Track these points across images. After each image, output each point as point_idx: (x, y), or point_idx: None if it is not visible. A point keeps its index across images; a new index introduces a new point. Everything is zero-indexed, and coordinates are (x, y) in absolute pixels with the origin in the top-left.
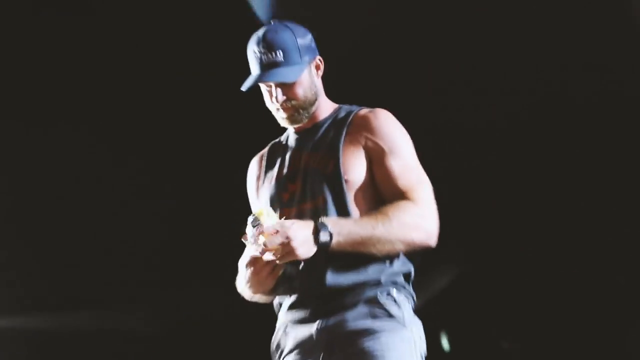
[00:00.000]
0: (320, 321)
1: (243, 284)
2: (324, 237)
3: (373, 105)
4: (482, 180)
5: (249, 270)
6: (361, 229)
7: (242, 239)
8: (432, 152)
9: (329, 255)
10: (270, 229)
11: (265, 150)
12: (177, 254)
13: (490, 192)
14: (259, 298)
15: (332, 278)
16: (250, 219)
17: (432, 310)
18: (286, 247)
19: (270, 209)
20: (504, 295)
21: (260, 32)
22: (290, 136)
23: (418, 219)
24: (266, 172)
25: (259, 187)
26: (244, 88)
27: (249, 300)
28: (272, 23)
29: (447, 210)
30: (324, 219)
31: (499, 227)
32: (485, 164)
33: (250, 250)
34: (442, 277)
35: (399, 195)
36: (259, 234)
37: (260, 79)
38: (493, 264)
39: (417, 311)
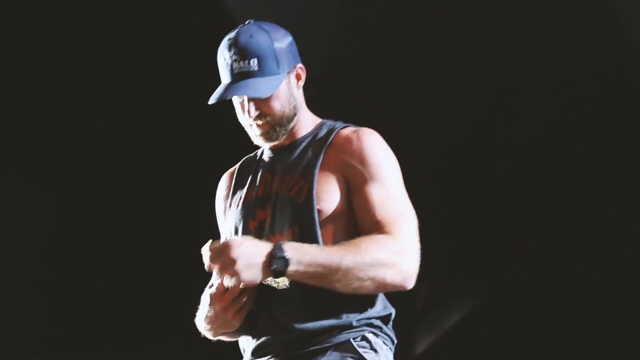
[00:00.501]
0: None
1: (204, 324)
2: (277, 264)
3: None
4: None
5: (212, 309)
6: (326, 260)
7: (207, 269)
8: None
9: (293, 294)
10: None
11: (237, 166)
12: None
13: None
14: (224, 337)
15: (302, 321)
16: (206, 246)
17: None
18: (229, 268)
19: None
20: (523, 331)
21: (232, 35)
22: (265, 152)
23: (394, 256)
24: (234, 192)
25: (226, 208)
26: (211, 101)
27: (212, 339)
28: (247, 23)
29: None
30: (283, 243)
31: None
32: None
33: (213, 281)
34: (453, 312)
35: (378, 227)
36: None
37: (230, 91)
38: (510, 297)
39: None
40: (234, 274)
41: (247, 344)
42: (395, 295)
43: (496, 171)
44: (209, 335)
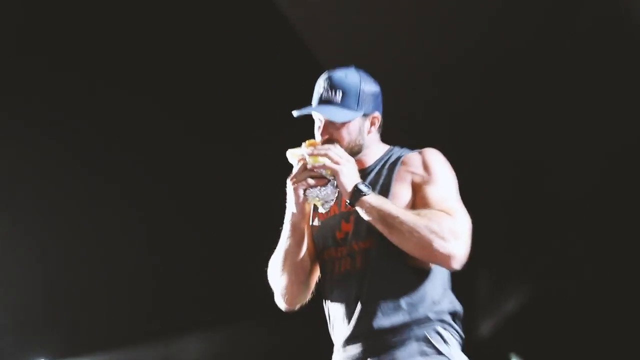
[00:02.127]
0: (370, 355)
1: (278, 260)
2: (362, 189)
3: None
4: None
5: (286, 237)
6: (391, 208)
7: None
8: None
9: (374, 294)
10: (332, 150)
11: None
12: None
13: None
14: (288, 285)
15: (382, 317)
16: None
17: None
18: (335, 162)
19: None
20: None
21: (332, 71)
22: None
23: (447, 232)
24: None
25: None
26: (295, 114)
27: (280, 291)
28: (349, 67)
29: None
30: (365, 185)
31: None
32: None
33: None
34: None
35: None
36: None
37: (310, 109)
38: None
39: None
40: (336, 167)
41: (336, 338)
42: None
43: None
44: (278, 276)
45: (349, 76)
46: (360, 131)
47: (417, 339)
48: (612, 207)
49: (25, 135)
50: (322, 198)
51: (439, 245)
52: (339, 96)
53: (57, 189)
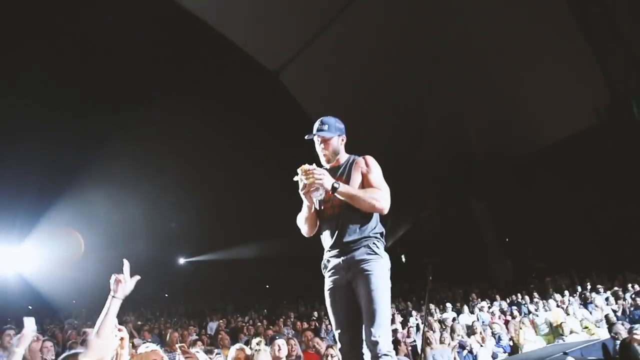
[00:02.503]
0: (344, 256)
1: (302, 219)
2: (336, 185)
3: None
4: None
5: (304, 207)
6: (352, 191)
7: (299, 170)
8: None
9: (343, 225)
10: (316, 171)
11: None
12: None
13: None
14: (308, 227)
15: (347, 236)
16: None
17: None
18: (319, 178)
19: (307, 165)
20: None
21: (323, 117)
22: (326, 169)
23: (379, 197)
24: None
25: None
26: (306, 138)
27: (304, 230)
28: (329, 116)
29: None
30: (337, 183)
31: None
32: None
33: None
34: None
35: (373, 187)
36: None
37: (313, 135)
38: None
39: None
40: (320, 181)
41: (325, 244)
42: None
43: None
44: (302, 225)
45: (330, 119)
46: (337, 144)
47: (365, 246)
48: None
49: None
50: (318, 196)
51: (376, 205)
52: (326, 127)
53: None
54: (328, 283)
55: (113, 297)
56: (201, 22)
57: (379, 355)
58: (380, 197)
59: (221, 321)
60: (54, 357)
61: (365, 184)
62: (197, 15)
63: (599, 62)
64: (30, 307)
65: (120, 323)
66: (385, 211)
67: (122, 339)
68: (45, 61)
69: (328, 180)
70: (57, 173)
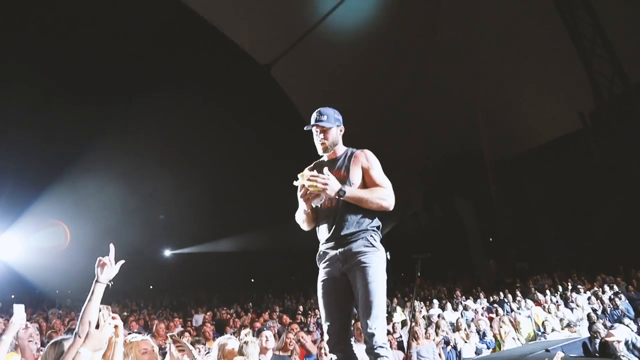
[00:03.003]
0: (341, 248)
1: (300, 216)
2: (342, 191)
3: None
4: None
5: (302, 206)
6: (359, 194)
7: (299, 175)
8: None
9: (341, 217)
10: (319, 176)
11: (313, 164)
12: None
13: None
14: (307, 224)
15: (346, 229)
16: (306, 171)
17: None
18: (325, 184)
19: (308, 172)
20: None
21: (320, 108)
22: (325, 161)
23: (385, 196)
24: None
25: None
26: (305, 128)
27: (303, 226)
28: (326, 107)
29: None
30: (344, 187)
31: None
32: None
33: (300, 187)
34: None
35: (378, 184)
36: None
37: (313, 125)
38: None
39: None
40: (324, 187)
41: (322, 238)
42: None
43: None
44: (301, 222)
45: (328, 110)
46: (336, 134)
47: (362, 239)
48: None
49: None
50: (317, 203)
51: (383, 204)
52: (325, 118)
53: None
54: (322, 274)
55: (97, 281)
56: (194, 14)
57: (375, 347)
58: (387, 195)
59: (207, 314)
60: (38, 345)
61: (367, 180)
62: (190, 7)
63: (586, 67)
64: (13, 297)
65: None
66: (392, 208)
67: (116, 327)
68: (36, 50)
69: (334, 187)
70: (43, 163)
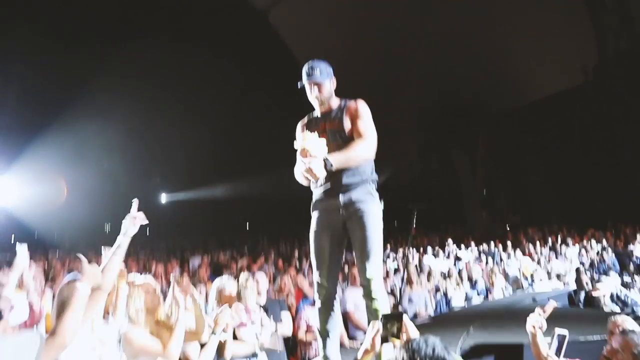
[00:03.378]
0: (342, 197)
1: (299, 175)
2: (328, 166)
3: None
4: None
5: (304, 169)
6: (345, 160)
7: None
8: None
9: (341, 170)
10: (307, 158)
11: (306, 118)
12: None
13: None
14: (306, 182)
15: (347, 178)
16: (300, 137)
17: None
18: (311, 160)
19: (309, 134)
20: None
21: (311, 62)
22: (318, 114)
23: (364, 149)
24: (308, 127)
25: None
26: (299, 85)
27: (301, 181)
28: (316, 60)
29: None
30: (329, 158)
31: None
32: None
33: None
34: None
35: (362, 135)
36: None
37: (306, 80)
38: None
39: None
40: (313, 175)
41: (320, 188)
42: None
43: None
44: (303, 181)
45: (319, 63)
46: (330, 88)
47: (362, 188)
48: None
49: None
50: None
51: (366, 157)
52: (318, 72)
53: None
54: (319, 223)
55: (125, 234)
56: None
57: (373, 291)
58: (368, 148)
59: (204, 257)
60: (42, 285)
61: (353, 129)
62: None
63: (592, 19)
64: (13, 236)
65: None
66: (372, 158)
67: (120, 270)
68: None
69: (319, 169)
70: (40, 106)
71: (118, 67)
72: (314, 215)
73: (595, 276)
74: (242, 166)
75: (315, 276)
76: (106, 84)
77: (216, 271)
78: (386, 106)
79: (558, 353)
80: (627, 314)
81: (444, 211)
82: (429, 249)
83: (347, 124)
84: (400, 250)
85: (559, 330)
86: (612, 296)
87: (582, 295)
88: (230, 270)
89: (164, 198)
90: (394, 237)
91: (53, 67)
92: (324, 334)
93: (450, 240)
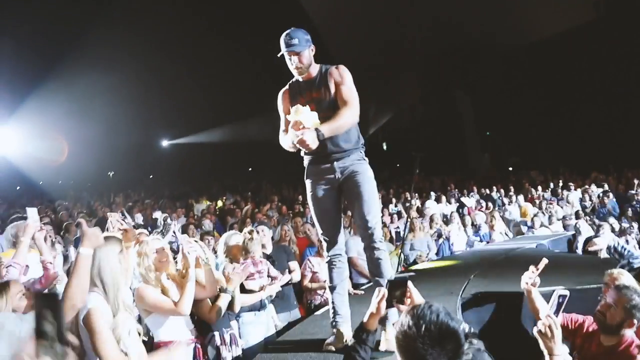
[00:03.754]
0: (337, 161)
1: (286, 143)
2: (320, 137)
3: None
4: None
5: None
6: (334, 128)
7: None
8: None
9: (335, 137)
10: (300, 130)
11: (287, 86)
12: None
13: None
14: (294, 149)
15: (341, 143)
16: (292, 110)
17: None
18: (304, 145)
19: (301, 107)
20: None
21: (288, 31)
22: (300, 82)
23: (353, 114)
24: (293, 96)
25: (289, 103)
26: (278, 55)
27: (287, 148)
28: (293, 28)
29: None
30: (320, 128)
31: None
32: None
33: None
34: None
35: (345, 103)
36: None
37: (285, 50)
38: None
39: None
40: (307, 146)
41: (313, 155)
42: None
43: None
44: (290, 149)
45: (297, 32)
46: (310, 56)
47: (355, 153)
48: None
49: None
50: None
51: (353, 123)
52: (296, 41)
53: None
54: (317, 188)
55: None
56: None
57: (375, 241)
58: (352, 114)
59: (211, 204)
60: (53, 240)
61: (337, 95)
62: None
63: None
64: (18, 188)
65: (109, 205)
66: (357, 122)
67: (125, 230)
68: None
69: (312, 139)
70: (39, 56)
71: (117, 18)
72: (310, 181)
73: (597, 221)
74: (241, 109)
75: (320, 235)
76: (105, 34)
77: (222, 218)
78: (390, 44)
79: (557, 313)
80: (623, 266)
81: (446, 154)
82: (432, 193)
83: (331, 91)
84: (402, 195)
85: (560, 291)
86: (608, 248)
87: (581, 241)
88: (235, 217)
89: (164, 143)
90: (397, 181)
91: (53, 17)
92: (332, 287)
93: (452, 185)
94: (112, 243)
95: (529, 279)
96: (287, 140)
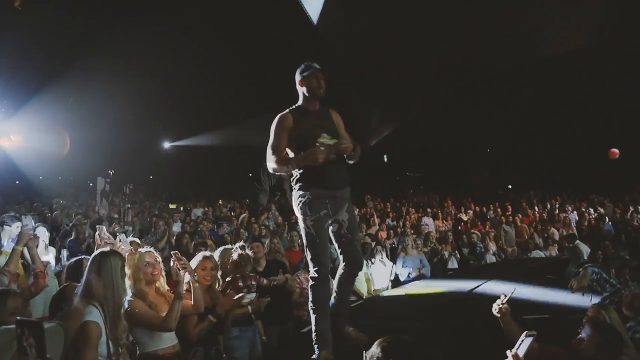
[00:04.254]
0: (338, 192)
1: (282, 166)
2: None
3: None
4: None
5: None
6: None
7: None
8: None
9: (341, 167)
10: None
11: (289, 113)
12: None
13: None
14: (285, 173)
15: (342, 177)
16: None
17: None
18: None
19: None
20: None
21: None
22: (308, 111)
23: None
24: (298, 123)
25: (294, 129)
26: (310, 70)
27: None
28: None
29: None
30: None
31: None
32: None
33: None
34: None
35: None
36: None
37: (319, 71)
38: None
39: None
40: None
41: (321, 182)
42: None
43: None
44: (281, 170)
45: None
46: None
47: (348, 185)
48: None
49: None
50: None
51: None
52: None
53: None
54: (318, 217)
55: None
56: None
57: (361, 261)
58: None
59: (205, 209)
60: (46, 242)
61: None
62: None
63: None
64: (17, 182)
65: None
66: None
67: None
68: None
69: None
70: (45, 59)
71: (122, 21)
72: (311, 210)
73: (587, 249)
74: (244, 114)
75: (314, 260)
76: (110, 36)
77: (217, 223)
78: (390, 63)
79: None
80: (605, 297)
81: (445, 170)
82: (430, 209)
83: (341, 127)
84: (401, 209)
85: (528, 332)
86: (591, 282)
87: (571, 269)
88: (230, 224)
89: (166, 145)
90: (394, 194)
91: (59, 19)
92: (318, 309)
93: (449, 202)
94: (116, 259)
95: (498, 307)
96: (275, 164)
